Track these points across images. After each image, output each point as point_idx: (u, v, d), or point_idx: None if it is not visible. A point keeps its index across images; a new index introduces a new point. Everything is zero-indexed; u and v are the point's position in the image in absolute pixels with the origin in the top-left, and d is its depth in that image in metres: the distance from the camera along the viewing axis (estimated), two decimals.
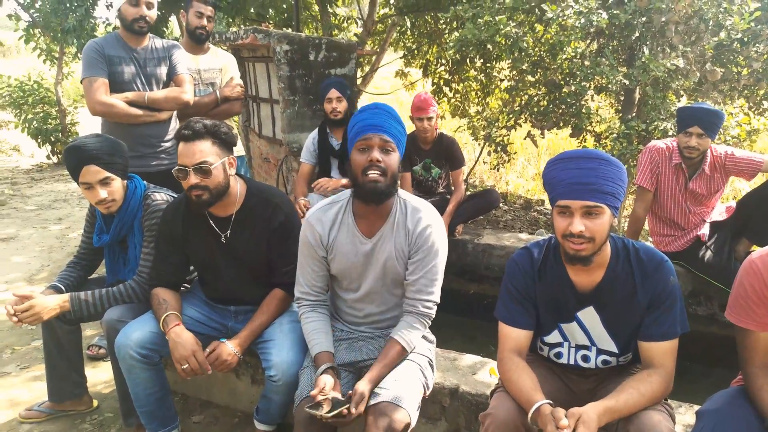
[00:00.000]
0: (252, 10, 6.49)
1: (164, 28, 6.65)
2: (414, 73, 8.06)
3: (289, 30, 6.79)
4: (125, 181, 2.27)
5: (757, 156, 2.89)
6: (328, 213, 1.96)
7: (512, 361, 1.68)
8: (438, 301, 1.93)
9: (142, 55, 2.94)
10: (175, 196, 2.35)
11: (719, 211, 3.11)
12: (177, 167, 1.99)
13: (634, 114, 4.29)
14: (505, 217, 5.12)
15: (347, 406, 1.67)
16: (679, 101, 4.19)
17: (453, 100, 6.76)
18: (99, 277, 2.56)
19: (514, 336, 1.73)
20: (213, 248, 2.17)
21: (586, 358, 1.76)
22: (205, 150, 1.97)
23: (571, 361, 1.78)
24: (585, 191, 1.53)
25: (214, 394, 2.61)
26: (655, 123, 3.86)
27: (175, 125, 3.11)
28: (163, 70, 2.99)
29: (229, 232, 2.14)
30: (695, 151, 2.87)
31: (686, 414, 1.89)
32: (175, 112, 3.11)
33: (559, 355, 1.79)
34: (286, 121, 4.06)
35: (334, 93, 3.39)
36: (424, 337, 2.03)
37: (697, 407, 1.92)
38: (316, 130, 3.56)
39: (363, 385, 1.73)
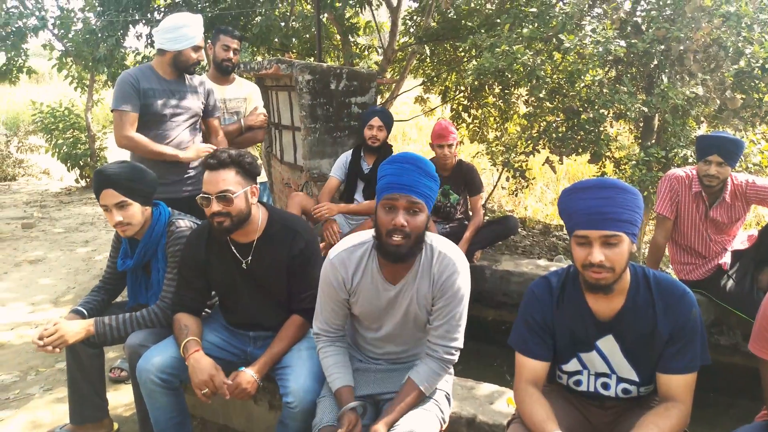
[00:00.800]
0: (276, 40, 6.67)
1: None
2: (433, 99, 8.15)
3: (312, 59, 6.96)
4: (148, 207, 2.34)
5: None
6: (353, 256, 1.93)
7: (527, 392, 1.68)
8: (461, 346, 1.92)
9: (176, 88, 3.03)
10: (199, 222, 2.41)
11: (741, 239, 3.08)
12: (201, 194, 2.05)
13: (653, 141, 4.28)
14: (524, 243, 5.11)
15: None
16: (699, 128, 4.18)
17: (471, 126, 6.81)
18: (121, 301, 2.62)
19: (530, 367, 1.72)
20: (234, 274, 2.21)
21: (606, 386, 1.74)
22: (229, 179, 2.04)
23: (591, 389, 1.76)
24: (602, 221, 1.54)
25: (232, 419, 2.63)
26: (675, 150, 3.85)
27: None
28: (195, 104, 3.08)
29: (250, 258, 2.19)
30: (715, 180, 2.86)
31: None
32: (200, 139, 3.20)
33: (578, 383, 1.77)
34: (307, 147, 4.14)
35: (377, 121, 3.57)
36: None
37: None
38: (351, 150, 3.76)
39: (379, 429, 1.74)
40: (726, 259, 3.00)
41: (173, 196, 2.90)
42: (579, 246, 1.59)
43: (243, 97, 3.62)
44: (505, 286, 3.58)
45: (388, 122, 3.60)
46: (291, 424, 2.06)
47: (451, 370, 2.11)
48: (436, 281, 1.86)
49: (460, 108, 6.81)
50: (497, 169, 5.65)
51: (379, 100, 7.61)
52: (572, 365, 1.76)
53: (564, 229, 5.77)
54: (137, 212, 2.27)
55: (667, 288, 1.65)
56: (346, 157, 3.74)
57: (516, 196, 5.89)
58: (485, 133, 6.79)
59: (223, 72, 3.53)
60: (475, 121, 6.76)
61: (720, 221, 2.97)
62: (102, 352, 2.48)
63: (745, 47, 3.68)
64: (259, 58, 7.95)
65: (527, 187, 5.65)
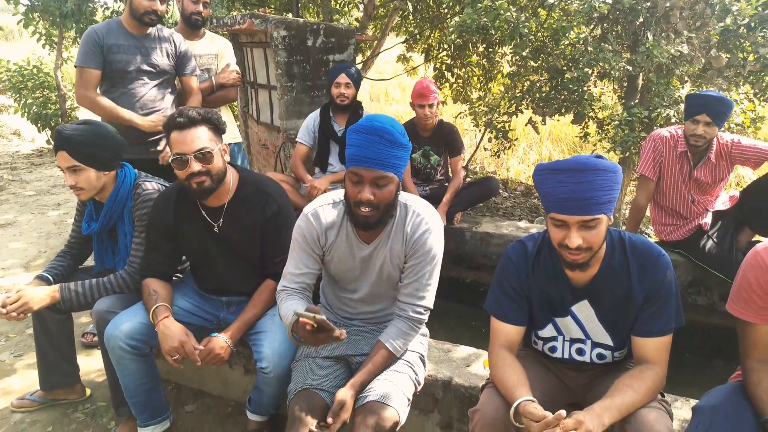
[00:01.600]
0: None
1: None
2: (416, 58, 7.97)
3: (290, 15, 6.71)
4: (108, 172, 2.21)
5: (764, 144, 2.83)
6: (329, 213, 1.87)
7: (501, 356, 1.66)
8: (431, 306, 1.89)
9: (146, 44, 2.87)
10: (167, 185, 2.31)
11: (722, 200, 3.06)
12: (174, 156, 1.94)
13: (637, 101, 4.21)
14: (505, 204, 5.07)
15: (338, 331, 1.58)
16: (682, 88, 4.11)
17: (455, 86, 6.68)
18: (89, 266, 2.53)
19: (505, 331, 1.71)
20: (205, 238, 2.13)
21: (581, 352, 1.73)
22: (203, 136, 1.94)
23: (566, 355, 1.75)
24: (582, 206, 1.48)
25: (207, 384, 2.60)
26: (658, 110, 3.79)
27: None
28: (163, 61, 2.92)
29: (221, 221, 2.11)
30: (702, 140, 2.81)
31: (682, 408, 1.86)
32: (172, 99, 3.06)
33: (553, 349, 1.76)
34: (283, 107, 4.01)
35: (343, 78, 3.37)
36: None
37: (693, 401, 1.89)
38: (318, 112, 3.54)
39: (345, 393, 1.70)
40: (707, 219, 2.98)
41: (143, 157, 2.78)
42: (556, 227, 1.54)
43: (214, 53, 3.45)
44: (485, 248, 3.54)
45: (356, 78, 3.40)
46: (266, 389, 2.04)
47: (426, 332, 2.09)
48: (408, 239, 1.82)
49: (444, 67, 6.66)
50: (479, 130, 5.56)
51: (360, 58, 7.42)
52: (548, 331, 1.74)
53: None
54: (91, 178, 2.14)
55: (642, 251, 1.62)
56: (312, 119, 3.53)
57: (498, 157, 5.83)
58: (469, 93, 6.67)
59: (192, 26, 3.35)
60: (458, 80, 6.63)
61: (704, 181, 2.94)
62: (70, 318, 2.41)
63: (732, 4, 3.60)
64: (235, 13, 7.65)
65: (509, 148, 5.59)
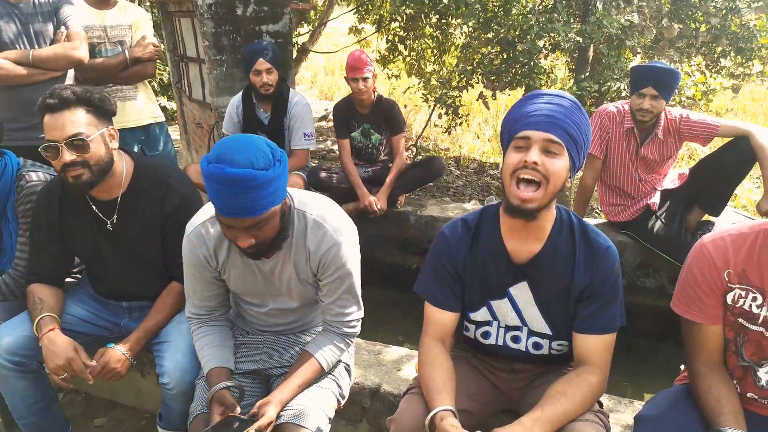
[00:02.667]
0: None
1: None
2: (369, 29, 7.65)
3: None
4: None
5: (713, 119, 2.70)
6: (212, 230, 1.60)
7: (432, 351, 1.50)
8: (361, 315, 1.69)
9: (25, 11, 2.53)
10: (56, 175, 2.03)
11: (671, 178, 2.94)
12: (45, 144, 1.66)
13: (587, 74, 4.06)
14: (457, 183, 4.90)
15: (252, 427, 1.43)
16: (634, 59, 3.98)
17: (408, 59, 6.42)
18: None
19: (438, 319, 1.54)
20: (97, 237, 1.87)
21: (516, 339, 1.57)
22: (79, 120, 1.65)
23: (500, 342, 1.59)
24: (550, 124, 1.32)
25: (120, 395, 2.36)
26: (609, 83, 3.65)
27: None
28: (50, 28, 2.59)
29: (114, 217, 1.84)
30: (648, 114, 2.67)
31: (625, 413, 1.72)
32: (70, 74, 2.73)
33: (486, 334, 1.59)
34: (213, 83, 3.71)
35: (262, 64, 3.02)
36: None
37: (638, 404, 1.77)
38: (239, 97, 3.22)
39: (271, 411, 1.48)
40: (655, 199, 2.86)
41: (32, 143, 2.45)
42: (516, 150, 1.36)
43: (127, 24, 3.10)
44: (430, 232, 3.36)
45: (276, 59, 3.04)
46: (173, 405, 1.82)
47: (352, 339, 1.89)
48: (313, 256, 1.57)
49: (396, 39, 6.38)
50: (429, 106, 5.35)
51: (307, 29, 7.08)
52: (482, 314, 1.57)
53: (498, 167, 5.60)
54: None
55: (591, 238, 1.47)
56: (235, 106, 3.22)
57: (449, 134, 5.64)
58: (423, 66, 6.43)
59: None
60: (411, 53, 6.37)
61: (651, 159, 2.81)
62: None
63: None
64: None
65: (461, 124, 5.40)
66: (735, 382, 1.44)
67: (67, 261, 1.95)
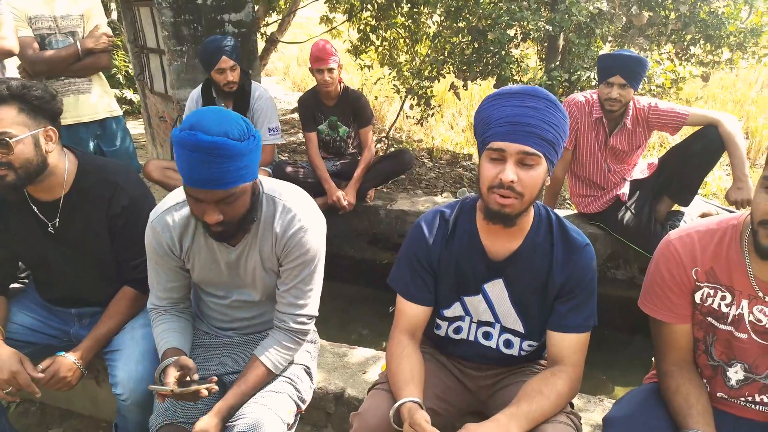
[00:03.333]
0: None
1: None
2: (341, 19, 7.52)
3: None
4: None
5: (682, 108, 2.68)
6: (177, 216, 1.55)
7: (401, 344, 1.46)
8: (315, 314, 1.62)
9: None
10: None
11: (641, 168, 2.91)
12: None
13: (557, 63, 4.02)
14: (429, 175, 4.84)
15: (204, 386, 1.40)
16: (603, 48, 3.95)
17: (381, 49, 6.32)
18: None
19: (410, 313, 1.50)
20: (40, 240, 1.76)
21: (487, 335, 1.54)
22: (6, 118, 1.53)
23: (471, 337, 1.55)
24: (524, 134, 1.26)
25: (75, 403, 2.26)
26: (579, 72, 3.61)
27: None
28: None
29: (57, 220, 1.73)
30: (617, 104, 2.63)
31: (595, 412, 1.69)
32: (9, 66, 2.59)
33: (459, 329, 1.56)
34: (174, 75, 3.57)
35: (226, 62, 2.92)
36: None
37: (608, 402, 1.73)
38: (198, 91, 3.11)
39: (206, 421, 1.41)
40: (625, 189, 2.83)
41: None
42: (491, 162, 1.30)
43: (79, 14, 2.95)
44: (401, 226, 3.30)
45: (239, 54, 2.95)
46: (128, 416, 1.74)
47: (315, 338, 1.83)
48: (279, 240, 1.52)
49: (368, 29, 6.27)
50: (401, 97, 5.27)
51: (275, 18, 6.91)
52: (454, 309, 1.53)
53: (472, 158, 5.55)
54: None
55: (570, 236, 1.43)
56: (194, 101, 3.11)
57: (422, 125, 5.57)
58: (396, 56, 6.34)
59: None
60: (384, 43, 6.27)
61: (620, 149, 2.78)
62: None
63: None
64: None
65: (433, 115, 5.34)
66: (705, 381, 1.41)
67: (10, 266, 1.85)
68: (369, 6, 6.18)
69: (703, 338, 1.38)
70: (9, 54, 2.48)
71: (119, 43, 6.89)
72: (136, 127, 6.50)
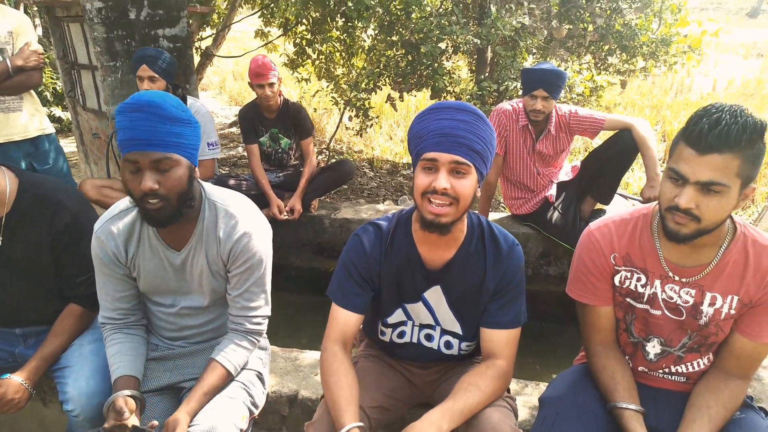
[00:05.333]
0: None
1: None
2: (276, 33, 7.55)
3: None
4: None
5: (600, 114, 2.91)
6: (122, 224, 1.58)
7: (335, 357, 1.49)
8: (268, 314, 1.68)
9: None
10: None
11: (566, 171, 3.14)
12: None
13: (487, 74, 4.25)
14: (371, 185, 4.96)
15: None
16: (528, 59, 4.20)
17: (317, 62, 6.40)
18: None
19: (342, 320, 1.53)
20: None
21: (429, 337, 1.63)
22: None
23: (414, 339, 1.64)
24: (455, 144, 1.35)
25: (21, 427, 2.20)
26: (506, 83, 3.83)
27: None
28: None
29: (0, 239, 1.72)
30: (541, 114, 2.84)
31: (532, 395, 1.83)
32: None
33: (402, 334, 1.64)
34: (108, 90, 3.52)
35: (144, 71, 2.89)
36: None
37: (543, 385, 1.88)
38: None
39: (180, 417, 1.45)
40: (552, 191, 3.04)
41: None
42: (424, 171, 1.39)
43: (8, 30, 2.89)
44: (345, 235, 3.38)
45: (162, 67, 2.92)
46: None
47: (266, 345, 1.88)
48: (224, 245, 1.57)
49: (304, 42, 6.35)
50: (339, 109, 5.38)
51: (210, 32, 6.88)
52: (396, 316, 1.61)
53: (411, 168, 5.72)
54: None
55: (498, 240, 1.54)
56: None
57: (361, 136, 5.70)
58: (333, 69, 6.44)
59: None
60: (320, 56, 6.36)
61: (546, 153, 2.99)
62: None
63: None
64: None
65: (372, 126, 5.47)
66: (627, 358, 1.57)
67: None
68: (304, 20, 6.28)
69: (623, 317, 1.54)
70: None
71: (48, 59, 6.65)
72: (66, 145, 6.29)
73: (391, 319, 1.62)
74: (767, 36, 18.79)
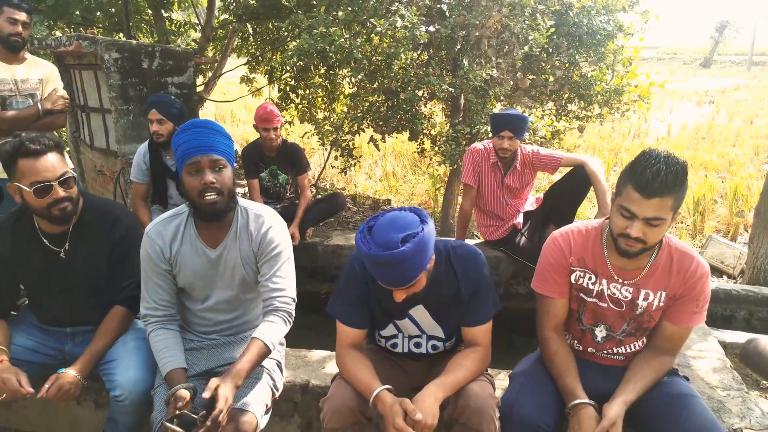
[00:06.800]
0: (76, 14, 6.02)
1: None
2: (260, 79, 8.02)
3: (120, 36, 6.42)
4: None
5: (558, 153, 3.39)
6: (169, 226, 1.96)
7: (350, 355, 1.85)
8: (294, 297, 1.99)
9: None
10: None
11: (531, 202, 3.60)
12: (36, 184, 1.86)
13: (460, 118, 4.74)
14: (355, 218, 5.35)
15: (200, 425, 1.64)
16: (496, 106, 4.71)
17: (300, 106, 6.84)
18: None
19: (351, 334, 1.89)
20: (47, 267, 2.05)
21: (418, 345, 1.98)
22: (60, 162, 1.92)
23: (405, 350, 1.99)
24: (404, 280, 1.63)
25: (56, 427, 2.45)
26: (478, 126, 4.31)
27: None
28: None
29: (67, 247, 2.04)
30: (508, 152, 3.30)
31: (504, 379, 2.19)
32: None
33: (394, 345, 1.99)
34: (120, 131, 3.88)
35: (154, 114, 3.21)
36: None
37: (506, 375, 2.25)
38: (146, 146, 3.39)
39: (223, 389, 1.66)
40: (519, 219, 3.49)
41: None
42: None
43: (39, 78, 3.26)
44: (336, 259, 3.75)
45: (170, 111, 3.23)
46: (121, 418, 2.01)
47: (283, 341, 2.20)
48: (255, 239, 1.95)
49: (288, 88, 6.79)
50: (326, 149, 5.80)
51: (201, 80, 7.31)
52: (389, 330, 1.97)
53: (391, 203, 6.15)
54: None
55: (462, 254, 1.87)
56: (141, 156, 3.40)
57: (345, 174, 6.11)
58: (314, 113, 6.88)
59: (11, 49, 3.15)
60: (303, 101, 6.80)
61: (513, 186, 3.44)
62: None
63: (529, 34, 4.23)
64: (59, 33, 7.11)
65: (355, 165, 5.89)
66: (577, 342, 1.96)
67: (14, 293, 2.12)
68: (289, 68, 6.75)
69: (576, 309, 1.94)
70: None
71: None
72: None
73: (384, 332, 1.98)
74: (718, 84, 20.15)
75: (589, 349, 1.96)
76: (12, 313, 2.25)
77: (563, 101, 5.46)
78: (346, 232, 4.04)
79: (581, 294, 1.92)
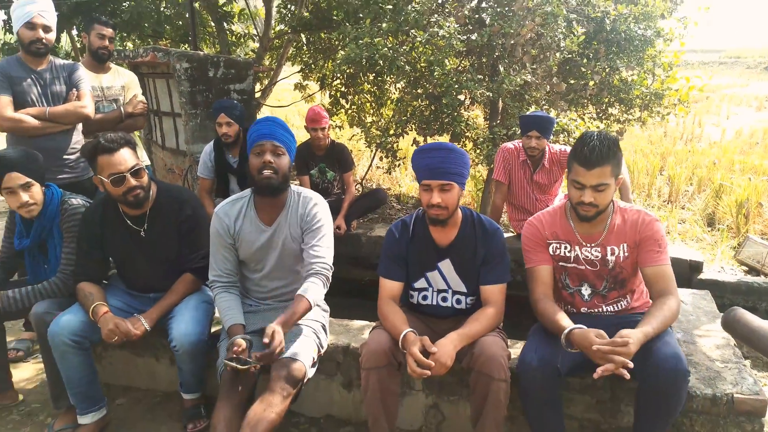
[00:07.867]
0: (147, 27, 6.64)
1: (56, 45, 6.65)
2: (312, 86, 8.48)
3: (186, 46, 7.01)
4: (43, 188, 2.53)
5: None
6: (234, 207, 2.37)
7: (388, 304, 2.24)
8: (331, 264, 2.35)
9: (44, 76, 3.12)
10: (89, 201, 2.64)
11: (560, 198, 3.83)
12: (112, 176, 2.28)
13: (498, 121, 5.00)
14: (398, 215, 5.68)
15: (254, 365, 2.03)
16: (531, 109, 4.94)
17: (350, 111, 7.23)
18: (19, 280, 2.77)
19: (389, 287, 2.29)
20: (131, 244, 2.48)
21: (444, 299, 2.34)
22: (131, 156, 2.33)
23: (434, 302, 2.35)
24: (439, 173, 2.10)
25: (135, 379, 2.89)
26: (514, 128, 4.57)
27: (79, 139, 3.30)
28: (64, 89, 3.18)
29: (146, 226, 2.47)
30: (536, 150, 3.56)
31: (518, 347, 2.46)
32: (79, 127, 3.32)
33: (425, 297, 2.36)
34: (189, 133, 4.36)
35: (223, 118, 3.71)
36: (318, 305, 2.45)
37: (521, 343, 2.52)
38: (211, 145, 3.88)
39: (274, 326, 2.05)
40: None
41: (61, 178, 3.05)
42: (424, 191, 2.17)
43: (121, 85, 3.76)
44: (378, 250, 4.05)
45: (235, 115, 3.71)
46: (183, 366, 2.43)
47: (327, 308, 2.55)
48: (302, 217, 2.34)
49: (338, 94, 7.19)
50: (371, 150, 6.15)
51: (258, 87, 7.84)
52: (421, 283, 2.34)
53: None
54: (39, 192, 2.47)
55: (484, 225, 2.29)
56: (207, 154, 3.86)
57: (390, 174, 6.45)
58: (363, 117, 7.25)
59: (99, 60, 3.66)
60: (352, 107, 7.18)
61: (542, 183, 3.69)
62: (3, 328, 2.63)
63: (561, 41, 4.46)
64: (130, 45, 7.80)
65: (399, 165, 6.23)
66: (569, 306, 2.27)
67: (106, 265, 2.56)
68: (339, 76, 7.17)
69: (560, 277, 2.26)
70: (87, 118, 3.24)
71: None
72: None
73: (417, 284, 2.34)
74: None
75: (582, 309, 2.26)
76: (104, 282, 2.70)
77: (604, 105, 5.62)
78: (388, 225, 4.37)
79: (561, 262, 2.25)
